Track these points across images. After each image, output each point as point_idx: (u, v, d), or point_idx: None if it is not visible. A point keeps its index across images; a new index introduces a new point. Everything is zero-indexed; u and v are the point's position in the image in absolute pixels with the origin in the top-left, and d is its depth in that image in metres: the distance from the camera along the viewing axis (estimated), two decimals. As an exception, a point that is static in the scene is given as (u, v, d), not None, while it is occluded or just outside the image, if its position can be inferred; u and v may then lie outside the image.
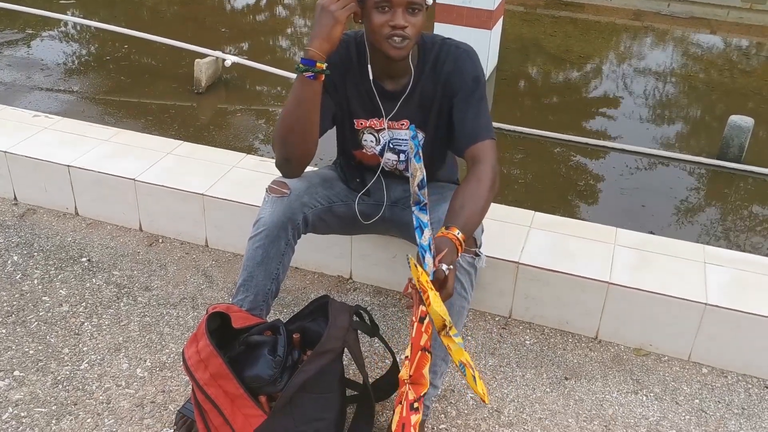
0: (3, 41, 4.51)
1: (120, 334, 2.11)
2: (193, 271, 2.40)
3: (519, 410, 1.91)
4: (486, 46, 3.92)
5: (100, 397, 1.89)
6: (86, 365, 1.99)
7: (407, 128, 1.84)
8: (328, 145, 2.00)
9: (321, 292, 2.32)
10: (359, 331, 1.72)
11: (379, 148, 1.89)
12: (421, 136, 1.85)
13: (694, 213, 3.03)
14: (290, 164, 1.80)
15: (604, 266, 2.13)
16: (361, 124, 1.86)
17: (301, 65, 1.66)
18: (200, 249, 2.51)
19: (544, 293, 2.16)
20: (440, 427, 1.85)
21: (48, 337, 2.08)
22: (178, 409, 1.82)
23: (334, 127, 1.92)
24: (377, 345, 2.10)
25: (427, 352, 1.47)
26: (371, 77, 1.77)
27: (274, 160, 1.81)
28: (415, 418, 1.47)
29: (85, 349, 2.05)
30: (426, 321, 1.46)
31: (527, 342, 2.15)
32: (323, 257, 2.39)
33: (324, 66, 1.66)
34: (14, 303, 2.21)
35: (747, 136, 3.31)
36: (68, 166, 2.57)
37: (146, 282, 2.33)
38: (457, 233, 1.54)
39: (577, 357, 2.10)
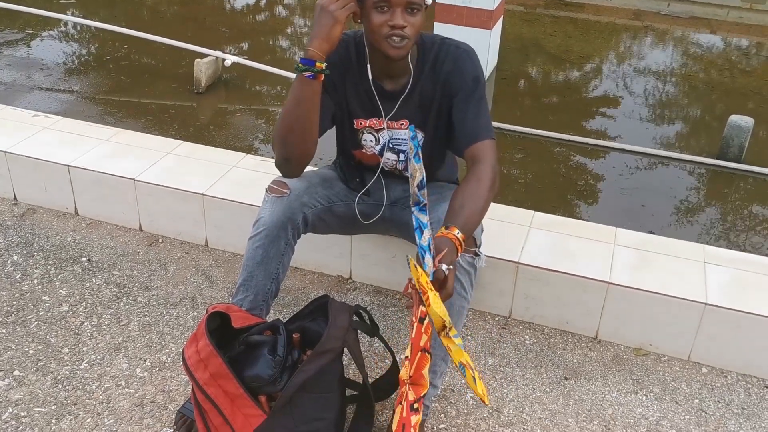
0: (3, 41, 4.51)
1: (120, 333, 2.11)
2: (193, 271, 2.40)
3: (519, 410, 1.91)
4: (486, 46, 3.92)
5: (100, 397, 1.89)
6: (86, 365, 1.99)
7: (407, 128, 1.84)
8: (327, 145, 2.00)
9: (321, 292, 2.32)
10: (359, 331, 1.72)
11: (378, 147, 1.89)
12: (420, 136, 1.85)
13: (694, 213, 3.03)
14: (290, 164, 1.80)
15: (604, 266, 2.13)
16: (361, 123, 1.86)
17: (300, 65, 1.66)
18: (200, 249, 2.51)
19: (544, 293, 2.16)
20: (440, 426, 1.85)
21: (48, 337, 2.08)
22: (177, 408, 1.82)
23: (334, 127, 1.92)
24: (377, 345, 2.10)
25: (426, 353, 1.47)
26: (370, 77, 1.77)
27: (273, 160, 1.81)
28: (415, 419, 1.47)
29: (84, 348, 2.05)
30: (426, 321, 1.46)
31: (527, 342, 2.15)
32: (323, 257, 2.39)
33: (323, 66, 1.66)
34: (14, 303, 2.21)
35: (747, 135, 3.31)
36: (68, 165, 2.57)
37: (146, 282, 2.33)
38: (456, 233, 1.54)
39: (576, 357, 2.10)
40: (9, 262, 2.40)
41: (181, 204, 2.47)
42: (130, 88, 3.91)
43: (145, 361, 2.01)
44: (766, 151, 3.54)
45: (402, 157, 1.89)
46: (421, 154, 1.70)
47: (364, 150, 1.91)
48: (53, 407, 1.86)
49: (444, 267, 1.48)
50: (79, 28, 4.82)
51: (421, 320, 1.46)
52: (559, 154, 3.40)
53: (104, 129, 2.86)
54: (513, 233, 2.27)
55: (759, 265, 2.18)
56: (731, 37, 5.32)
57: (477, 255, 1.70)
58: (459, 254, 1.55)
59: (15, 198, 2.75)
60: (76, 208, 2.66)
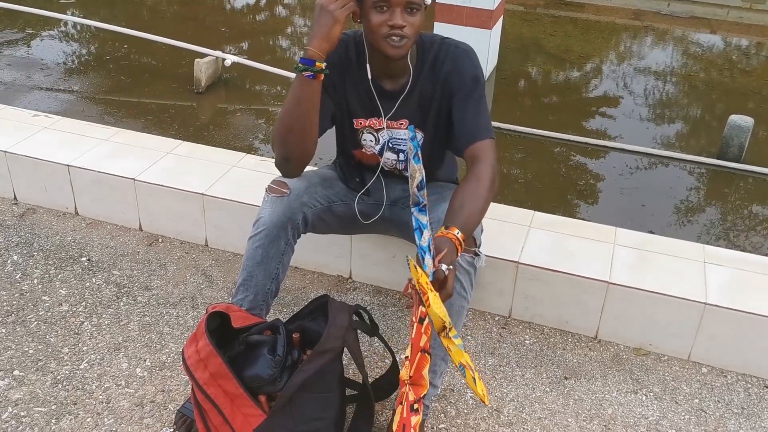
0: (3, 41, 4.51)
1: (120, 333, 2.11)
2: (193, 271, 2.40)
3: (518, 410, 1.91)
4: (486, 45, 3.92)
5: (100, 397, 1.89)
6: (86, 365, 1.99)
7: (406, 128, 1.84)
8: (327, 145, 2.00)
9: (321, 292, 2.32)
10: (359, 331, 1.72)
11: (378, 147, 1.89)
12: (420, 135, 1.85)
13: (694, 213, 3.03)
14: (290, 164, 1.80)
15: (604, 266, 2.13)
16: (361, 123, 1.86)
17: (300, 65, 1.66)
18: (200, 249, 2.51)
19: (544, 293, 2.16)
20: (440, 426, 1.85)
21: (48, 337, 2.08)
22: (177, 408, 1.82)
23: (334, 127, 1.92)
24: (377, 344, 2.10)
25: (426, 354, 1.47)
26: (370, 77, 1.77)
27: (273, 160, 1.81)
28: (415, 420, 1.47)
29: (84, 348, 2.05)
30: (426, 322, 1.46)
31: (527, 341, 2.15)
32: (323, 257, 2.39)
33: (323, 65, 1.66)
34: (14, 302, 2.21)
35: (747, 135, 3.31)
36: (68, 165, 2.57)
37: (146, 281, 2.33)
38: (456, 233, 1.54)
39: (576, 356, 2.10)
40: (9, 261, 2.40)
41: (181, 204, 2.47)
42: (130, 88, 3.91)
43: (145, 360, 2.01)
44: (766, 150, 3.54)
45: (402, 156, 1.89)
46: (420, 155, 1.69)
47: (363, 150, 1.91)
48: (53, 407, 1.86)
49: (444, 267, 1.48)
50: (79, 28, 4.82)
51: (421, 321, 1.46)
52: (559, 153, 3.40)
53: (104, 129, 2.86)
54: (513, 233, 2.27)
55: (759, 265, 2.18)
56: (731, 37, 5.32)
57: (477, 255, 1.70)
58: (459, 254, 1.55)
59: (15, 198, 2.75)
60: (76, 207, 2.66)
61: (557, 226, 2.33)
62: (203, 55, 3.91)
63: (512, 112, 3.81)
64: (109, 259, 2.43)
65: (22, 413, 1.83)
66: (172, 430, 1.79)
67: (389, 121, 1.84)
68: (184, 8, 5.39)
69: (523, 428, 1.85)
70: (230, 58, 3.91)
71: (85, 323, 2.14)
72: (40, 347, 2.05)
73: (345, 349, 1.65)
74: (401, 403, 1.49)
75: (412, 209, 1.63)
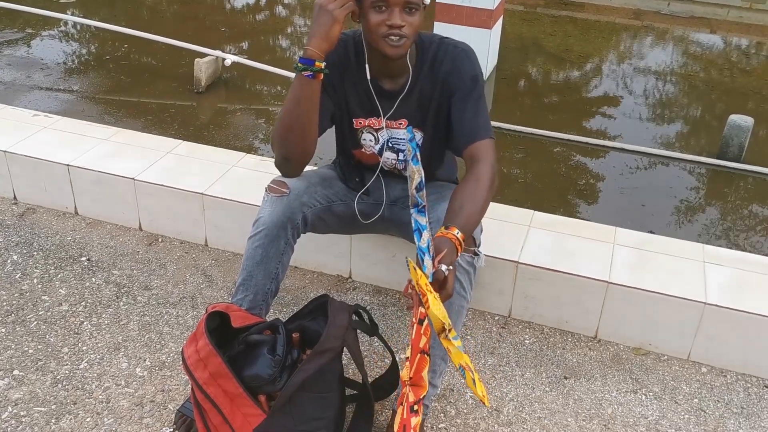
0: (3, 41, 4.51)
1: (119, 333, 2.11)
2: (193, 271, 2.40)
3: (518, 409, 1.91)
4: (486, 45, 3.92)
5: (100, 396, 1.89)
6: (86, 364, 1.99)
7: (405, 128, 1.84)
8: (327, 145, 2.00)
9: (320, 292, 2.32)
10: (358, 331, 1.72)
11: (378, 147, 1.89)
12: (419, 135, 1.85)
13: (694, 212, 3.03)
14: (289, 163, 1.80)
15: (604, 266, 2.13)
16: (360, 123, 1.86)
17: (299, 64, 1.66)
18: (200, 248, 2.51)
19: (544, 292, 2.16)
20: (440, 426, 1.85)
21: (47, 337, 2.08)
22: (177, 408, 1.82)
23: (333, 127, 1.92)
24: (377, 344, 2.10)
25: (426, 355, 1.47)
26: (369, 76, 1.77)
27: (273, 160, 1.81)
28: (414, 421, 1.47)
29: (84, 348, 2.05)
30: (425, 323, 1.46)
31: (526, 341, 2.15)
32: (323, 256, 2.39)
33: (323, 65, 1.66)
34: (14, 302, 2.21)
35: (747, 135, 3.31)
36: (68, 165, 2.57)
37: (146, 281, 2.33)
38: (456, 233, 1.54)
39: (576, 356, 2.10)
40: (9, 261, 2.40)
41: (180, 203, 2.47)
42: (130, 88, 3.91)
43: (144, 360, 2.02)
44: (765, 150, 3.54)
45: (401, 156, 1.89)
46: (419, 156, 1.69)
47: (363, 149, 1.91)
48: (53, 407, 1.86)
49: (444, 268, 1.48)
50: (79, 27, 4.82)
51: (421, 322, 1.46)
52: (558, 153, 3.40)
53: (104, 128, 2.87)
54: (512, 233, 2.27)
55: (759, 265, 2.18)
56: (731, 37, 5.32)
57: (476, 254, 1.70)
58: (459, 254, 1.55)
59: (15, 197, 2.75)
60: (75, 207, 2.66)
61: (557, 225, 2.33)
62: (203, 55, 3.91)
63: (512, 112, 3.81)
64: (108, 258, 2.43)
65: (21, 413, 1.83)
66: (171, 429, 1.80)
67: (388, 121, 1.84)
68: (184, 8, 5.39)
69: (523, 428, 1.85)
70: (230, 58, 3.91)
71: (85, 323, 2.14)
72: (39, 347, 2.05)
73: (345, 348, 1.65)
74: (402, 404, 1.49)
75: (411, 211, 1.63)
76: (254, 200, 2.34)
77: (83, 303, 2.22)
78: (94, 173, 2.55)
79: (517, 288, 2.18)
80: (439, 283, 1.47)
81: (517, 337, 2.17)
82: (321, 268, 2.42)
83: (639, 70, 4.51)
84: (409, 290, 1.50)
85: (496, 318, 2.24)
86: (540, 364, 2.07)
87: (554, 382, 2.00)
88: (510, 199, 2.88)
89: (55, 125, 2.85)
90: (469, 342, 2.14)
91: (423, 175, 1.65)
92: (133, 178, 2.50)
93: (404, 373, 1.50)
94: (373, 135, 1.87)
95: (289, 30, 5.18)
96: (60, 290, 2.27)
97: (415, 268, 1.45)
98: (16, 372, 1.96)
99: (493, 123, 1.81)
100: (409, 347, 1.48)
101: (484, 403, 1.50)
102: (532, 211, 2.40)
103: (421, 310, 1.45)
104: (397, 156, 1.89)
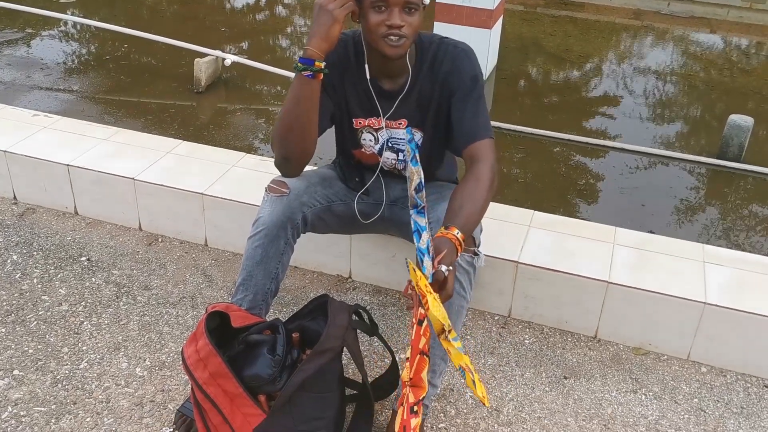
0: (3, 40, 4.51)
1: (119, 333, 2.11)
2: (193, 271, 2.40)
3: (518, 409, 1.91)
4: (486, 45, 3.92)
5: (100, 396, 1.89)
6: (86, 364, 1.99)
7: (405, 128, 1.84)
8: (327, 145, 2.00)
9: (320, 291, 2.32)
10: (358, 331, 1.72)
11: (377, 147, 1.89)
12: (419, 135, 1.85)
13: (694, 212, 3.03)
14: (289, 163, 1.80)
15: (604, 265, 2.13)
16: (360, 123, 1.86)
17: (299, 64, 1.66)
18: (199, 248, 2.51)
19: (544, 292, 2.16)
20: (439, 426, 1.85)
21: (47, 336, 2.08)
22: (177, 408, 1.82)
23: (333, 127, 1.92)
24: (376, 344, 2.10)
25: (425, 356, 1.47)
26: (368, 76, 1.77)
27: (273, 160, 1.81)
28: (414, 422, 1.47)
29: (84, 348, 2.05)
30: (425, 324, 1.46)
31: (526, 341, 2.15)
32: (323, 256, 2.39)
33: (322, 65, 1.66)
34: (14, 302, 2.22)
35: (747, 135, 3.31)
36: (68, 165, 2.57)
37: (146, 281, 2.33)
38: (456, 233, 1.53)
39: (576, 356, 2.10)
40: (8, 261, 2.40)
41: (180, 203, 2.47)
42: (129, 88, 3.91)
43: (144, 360, 2.02)
44: (765, 150, 3.54)
45: (401, 156, 1.89)
46: (418, 157, 1.69)
47: (363, 149, 1.91)
48: (53, 407, 1.86)
49: (444, 268, 1.48)
50: (78, 27, 4.82)
51: (420, 323, 1.46)
52: (558, 153, 3.40)
53: (104, 128, 2.87)
54: (512, 233, 2.27)
55: (758, 265, 2.18)
56: (731, 37, 5.32)
57: (476, 254, 1.70)
58: (458, 254, 1.55)
59: (15, 197, 2.75)
60: (75, 207, 2.66)
61: (557, 225, 2.33)
62: (203, 55, 3.91)
63: (512, 112, 3.81)
64: (108, 258, 2.43)
65: (21, 413, 1.83)
66: (171, 429, 1.80)
67: (388, 121, 1.84)
68: (184, 8, 5.39)
69: (523, 428, 1.85)
70: (230, 58, 3.91)
71: (85, 323, 2.14)
72: (39, 347, 2.05)
73: (344, 348, 1.65)
74: (402, 405, 1.49)
75: (411, 212, 1.63)
76: (254, 200, 2.34)
77: (83, 303, 2.22)
78: (94, 173, 2.55)
79: (517, 288, 2.18)
80: (439, 284, 1.47)
81: (517, 337, 2.17)
82: (321, 268, 2.42)
83: (639, 70, 4.51)
84: (409, 291, 1.50)
85: (496, 318, 2.24)
86: (540, 364, 2.07)
87: (554, 382, 2.00)
88: (510, 199, 2.88)
89: (55, 125, 2.85)
90: (469, 342, 2.14)
91: (422, 176, 1.65)
92: (133, 178, 2.50)
93: (404, 374, 1.50)
94: (373, 135, 1.87)
95: (289, 30, 5.18)
96: (60, 290, 2.27)
97: (414, 270, 1.45)
98: (16, 372, 1.96)
99: (493, 123, 1.81)
100: (409, 348, 1.49)
101: (483, 404, 1.50)
102: (532, 211, 2.40)
103: (421, 311, 1.45)
104: (397, 156, 1.89)
